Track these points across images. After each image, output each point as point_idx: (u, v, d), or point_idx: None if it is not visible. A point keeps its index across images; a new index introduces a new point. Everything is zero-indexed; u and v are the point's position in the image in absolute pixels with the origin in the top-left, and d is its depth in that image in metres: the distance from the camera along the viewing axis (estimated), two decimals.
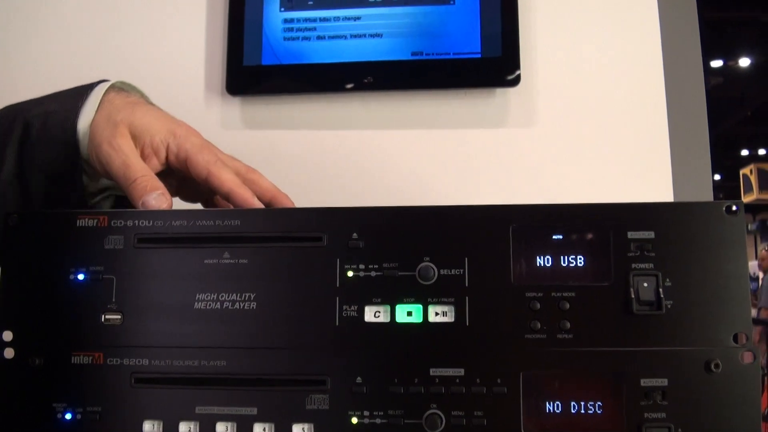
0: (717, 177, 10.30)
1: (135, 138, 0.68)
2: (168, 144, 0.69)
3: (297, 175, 1.04)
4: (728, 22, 5.69)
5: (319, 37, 1.03)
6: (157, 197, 0.65)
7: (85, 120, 0.68)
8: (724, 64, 6.37)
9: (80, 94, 0.70)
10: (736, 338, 0.55)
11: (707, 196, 1.01)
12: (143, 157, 0.68)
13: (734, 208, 0.56)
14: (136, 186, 0.65)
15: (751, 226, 9.19)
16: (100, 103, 0.69)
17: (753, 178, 7.86)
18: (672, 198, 0.98)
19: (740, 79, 6.71)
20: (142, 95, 0.76)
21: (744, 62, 6.45)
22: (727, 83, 6.56)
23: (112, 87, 0.71)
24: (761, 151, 9.39)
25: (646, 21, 1.04)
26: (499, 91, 1.04)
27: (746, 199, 8.22)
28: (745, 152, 9.50)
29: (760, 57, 6.38)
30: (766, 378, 4.70)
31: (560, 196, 1.00)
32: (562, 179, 1.01)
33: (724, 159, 9.58)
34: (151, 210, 0.62)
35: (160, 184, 0.66)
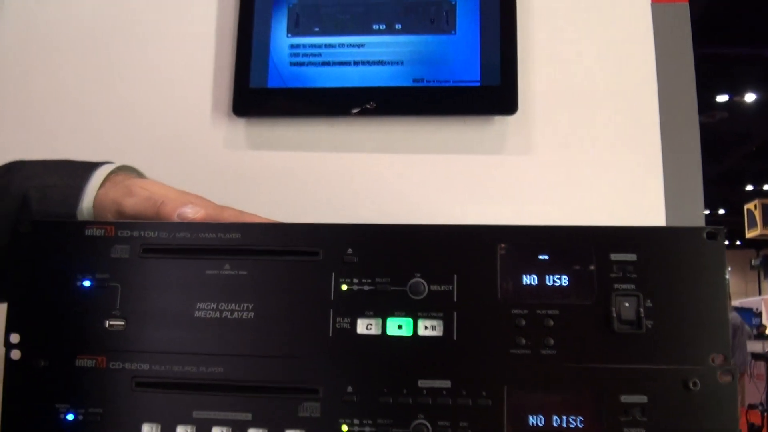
0: (721, 211, 10.29)
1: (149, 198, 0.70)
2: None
3: (297, 195, 1.07)
4: (734, 58, 5.73)
5: (324, 63, 1.06)
6: (193, 208, 0.67)
7: (88, 197, 0.70)
8: (730, 99, 6.39)
9: (83, 172, 0.72)
10: (714, 359, 0.57)
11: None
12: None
13: (714, 233, 0.58)
14: (165, 206, 0.68)
15: (755, 262, 9.15)
16: (103, 182, 0.71)
17: (757, 213, 7.84)
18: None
19: (746, 115, 6.73)
20: (143, 176, 0.78)
21: (750, 98, 6.48)
22: (732, 118, 6.58)
23: (119, 168, 0.74)
24: (766, 187, 9.39)
25: (642, 53, 1.06)
26: (498, 119, 1.07)
27: (750, 234, 8.19)
28: (749, 187, 9.50)
29: (765, 93, 6.41)
30: (766, 414, 4.67)
31: (554, 223, 1.02)
32: (557, 206, 1.04)
33: (729, 194, 9.57)
34: (159, 222, 0.64)
35: (188, 200, 0.69)
